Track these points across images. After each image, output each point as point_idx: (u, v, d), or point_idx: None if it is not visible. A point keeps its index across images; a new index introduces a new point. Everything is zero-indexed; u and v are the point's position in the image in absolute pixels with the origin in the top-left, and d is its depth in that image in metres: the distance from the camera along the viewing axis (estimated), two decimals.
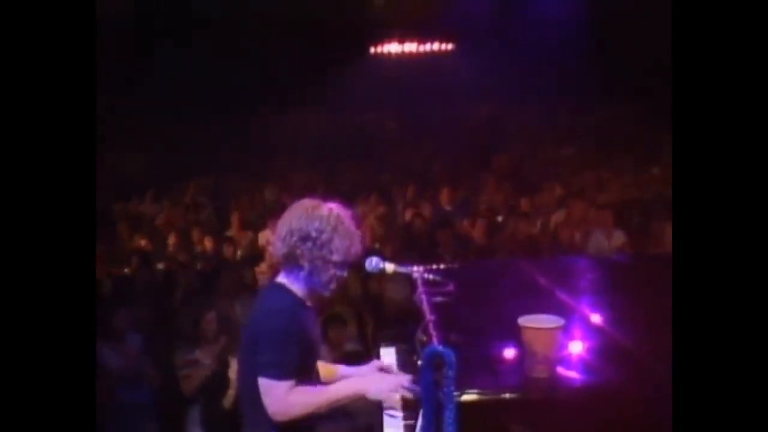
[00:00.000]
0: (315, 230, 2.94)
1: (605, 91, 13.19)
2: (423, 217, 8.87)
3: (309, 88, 13.70)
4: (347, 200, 3.45)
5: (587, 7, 13.10)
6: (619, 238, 7.62)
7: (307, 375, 3.03)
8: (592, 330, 3.09)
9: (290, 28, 12.97)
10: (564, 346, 2.72)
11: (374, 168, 13.05)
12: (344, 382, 3.14)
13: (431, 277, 3.41)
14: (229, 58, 12.97)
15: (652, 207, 8.63)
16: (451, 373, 2.48)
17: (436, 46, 15.60)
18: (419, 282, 3.48)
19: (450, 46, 15.64)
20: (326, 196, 3.23)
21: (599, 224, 7.81)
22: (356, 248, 3.03)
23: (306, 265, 2.96)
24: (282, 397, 2.89)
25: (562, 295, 3.56)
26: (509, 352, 2.77)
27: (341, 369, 3.46)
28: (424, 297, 3.43)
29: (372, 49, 15.37)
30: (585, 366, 2.72)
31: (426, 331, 3.10)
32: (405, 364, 3.54)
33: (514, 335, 2.70)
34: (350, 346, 5.77)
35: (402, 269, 3.38)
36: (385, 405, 3.13)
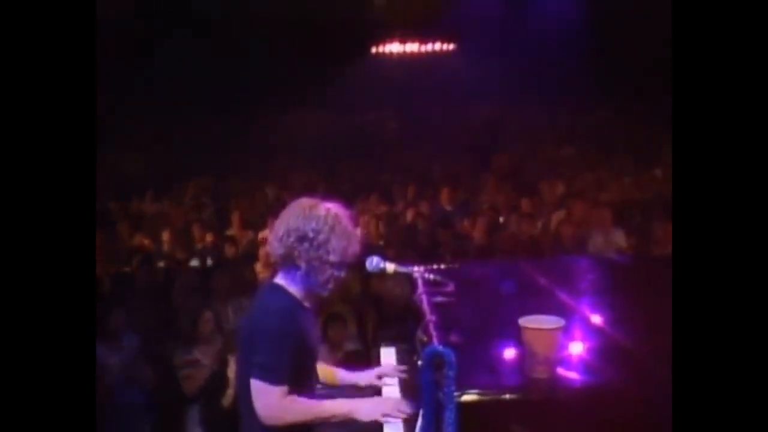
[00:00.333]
0: (312, 230, 2.92)
1: (605, 91, 13.19)
2: (424, 216, 8.87)
3: (309, 88, 13.69)
4: (347, 200, 3.44)
5: (587, 7, 13.10)
6: (619, 236, 7.63)
7: (305, 377, 3.01)
8: (592, 331, 3.09)
9: (290, 28, 12.96)
10: (564, 347, 2.72)
11: (374, 168, 13.05)
12: (337, 401, 3.06)
13: (431, 277, 3.41)
14: (229, 58, 12.97)
15: (652, 207, 8.63)
16: (451, 373, 2.48)
17: (436, 46, 15.61)
18: (419, 282, 3.48)
19: (450, 46, 15.64)
20: (326, 196, 3.21)
21: (599, 223, 7.82)
22: (354, 249, 3.01)
23: (303, 265, 2.94)
24: (273, 402, 2.86)
25: (563, 296, 3.56)
26: (509, 353, 2.77)
27: (341, 373, 3.45)
28: (424, 297, 3.43)
29: (372, 49, 15.38)
30: (585, 366, 2.72)
31: (426, 331, 3.10)
32: (405, 363, 3.54)
33: (515, 336, 2.70)
34: (350, 346, 5.77)
35: (402, 269, 3.38)
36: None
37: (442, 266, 4.10)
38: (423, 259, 5.40)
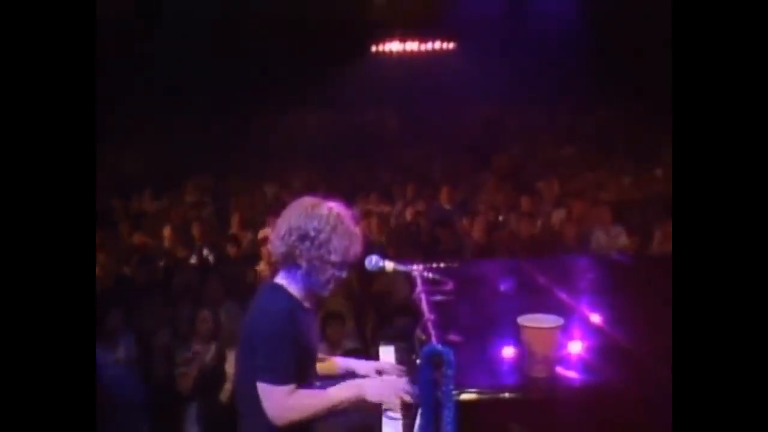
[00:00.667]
0: (313, 229, 2.91)
1: (605, 91, 13.19)
2: (424, 215, 8.87)
3: (309, 88, 13.69)
4: (347, 199, 3.44)
5: (587, 7, 13.10)
6: (619, 234, 7.64)
7: (304, 376, 3.01)
8: (591, 330, 3.09)
9: (290, 27, 12.96)
10: (563, 346, 2.72)
11: (374, 167, 13.05)
12: (343, 385, 3.08)
13: (431, 275, 3.41)
14: (228, 57, 12.96)
15: (652, 207, 8.63)
16: (450, 372, 2.48)
17: (436, 45, 15.60)
18: (419, 280, 3.48)
19: (450, 46, 15.63)
20: (327, 195, 3.21)
21: (599, 221, 7.83)
22: (355, 249, 3.01)
23: (304, 264, 2.94)
24: (281, 401, 2.87)
25: (562, 295, 3.56)
26: (508, 352, 2.77)
27: (339, 361, 3.47)
28: (423, 295, 3.43)
29: (372, 49, 15.37)
30: (584, 366, 2.72)
31: (425, 330, 3.10)
32: (404, 362, 3.54)
33: (514, 334, 2.70)
34: (349, 344, 5.77)
35: (401, 267, 3.38)
36: (384, 407, 3.12)
37: (442, 265, 4.09)
38: (424, 257, 5.40)
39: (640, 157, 11.81)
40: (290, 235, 2.94)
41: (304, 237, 2.92)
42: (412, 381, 3.03)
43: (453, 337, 2.89)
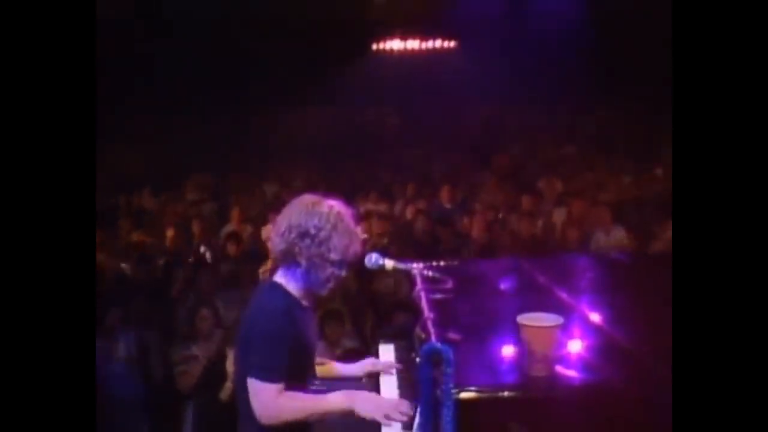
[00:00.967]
0: (314, 227, 2.90)
1: (605, 91, 13.18)
2: (424, 214, 8.88)
3: (309, 87, 13.68)
4: (347, 198, 3.44)
5: (587, 7, 13.09)
6: (619, 233, 7.64)
7: (302, 376, 3.00)
8: (591, 329, 3.09)
9: (290, 27, 12.96)
10: (563, 345, 2.73)
11: (374, 167, 13.05)
12: (337, 394, 2.99)
13: (430, 273, 3.41)
14: (228, 57, 12.96)
15: (652, 207, 8.64)
16: (449, 370, 2.48)
17: (436, 45, 15.59)
18: (418, 279, 3.48)
19: (450, 46, 15.62)
20: (327, 194, 3.21)
21: (598, 222, 7.83)
22: (355, 248, 2.99)
23: (303, 262, 2.92)
24: (270, 400, 2.84)
25: (562, 294, 3.57)
26: (508, 350, 2.77)
27: (337, 366, 3.46)
28: (423, 294, 3.43)
29: (372, 48, 15.36)
30: (584, 365, 2.72)
31: (425, 328, 3.10)
32: (403, 360, 3.55)
33: (513, 333, 2.71)
34: (348, 343, 5.76)
35: (401, 266, 3.38)
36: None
37: (441, 263, 4.10)
38: (424, 256, 5.40)
39: (640, 157, 11.82)
40: (290, 232, 2.93)
41: (304, 234, 2.91)
42: (404, 394, 3.01)
43: (452, 336, 2.89)
